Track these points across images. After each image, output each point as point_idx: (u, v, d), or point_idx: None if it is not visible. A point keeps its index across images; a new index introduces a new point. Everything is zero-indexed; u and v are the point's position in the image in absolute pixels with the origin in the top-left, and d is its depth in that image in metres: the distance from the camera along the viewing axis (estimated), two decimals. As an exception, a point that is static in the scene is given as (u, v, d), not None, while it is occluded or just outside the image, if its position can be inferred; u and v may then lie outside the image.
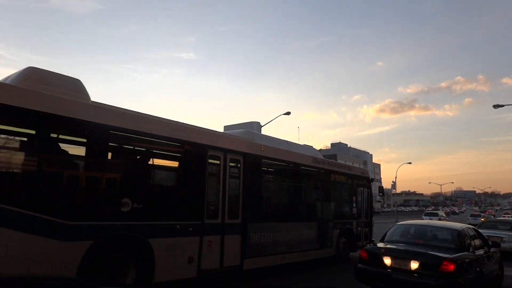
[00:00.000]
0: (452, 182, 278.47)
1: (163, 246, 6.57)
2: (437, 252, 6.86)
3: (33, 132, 5.31)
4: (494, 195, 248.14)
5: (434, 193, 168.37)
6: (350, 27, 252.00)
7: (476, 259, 7.42)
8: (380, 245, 7.78)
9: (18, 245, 4.86)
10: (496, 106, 27.41)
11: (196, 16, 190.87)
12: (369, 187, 14.40)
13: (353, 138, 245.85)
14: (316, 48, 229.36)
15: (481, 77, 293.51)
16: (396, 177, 61.43)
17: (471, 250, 7.54)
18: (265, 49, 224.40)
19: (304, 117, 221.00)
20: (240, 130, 10.24)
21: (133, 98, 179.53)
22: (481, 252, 8.02)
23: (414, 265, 6.70)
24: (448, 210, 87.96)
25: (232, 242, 8.05)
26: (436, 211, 49.14)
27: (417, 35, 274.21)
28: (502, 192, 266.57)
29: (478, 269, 7.21)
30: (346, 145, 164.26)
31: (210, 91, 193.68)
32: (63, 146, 5.73)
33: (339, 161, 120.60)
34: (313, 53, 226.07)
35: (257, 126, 44.02)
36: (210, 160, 7.79)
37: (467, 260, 7.00)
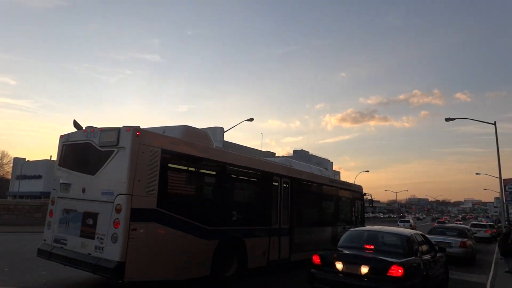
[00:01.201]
0: (407, 190, 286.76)
1: (251, 244, 9.51)
2: (386, 257, 7.02)
3: (191, 168, 8.37)
4: (445, 203, 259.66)
5: (390, 200, 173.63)
6: (315, 37, 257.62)
7: (423, 264, 7.65)
8: (334, 251, 7.87)
9: (179, 239, 7.60)
10: (448, 120, 28.69)
11: (162, 17, 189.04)
12: (363, 199, 18.09)
13: (315, 146, 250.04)
14: (281, 57, 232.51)
15: (436, 91, 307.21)
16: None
17: (418, 255, 7.80)
18: (231, 55, 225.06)
19: (268, 124, 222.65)
20: (281, 158, 14.61)
21: (92, 98, 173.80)
22: (428, 257, 8.32)
23: (364, 269, 6.84)
24: (414, 217, 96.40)
25: (285, 241, 11.02)
26: (408, 219, 58.70)
27: (379, 48, 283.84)
28: (452, 200, 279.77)
29: (424, 273, 7.45)
30: (308, 152, 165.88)
31: (174, 95, 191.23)
32: (203, 177, 8.81)
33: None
34: (278, 61, 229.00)
35: (220, 131, 43.88)
36: (273, 183, 10.96)
37: (414, 265, 7.23)
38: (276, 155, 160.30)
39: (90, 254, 6.89)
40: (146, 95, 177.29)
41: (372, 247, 7.88)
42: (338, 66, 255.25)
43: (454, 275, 13.03)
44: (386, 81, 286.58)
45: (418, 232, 9.37)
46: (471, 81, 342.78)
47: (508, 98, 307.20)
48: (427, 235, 17.74)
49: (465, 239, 16.92)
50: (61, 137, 8.43)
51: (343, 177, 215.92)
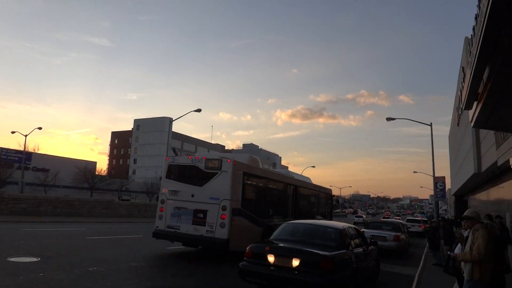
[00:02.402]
0: (350, 186, 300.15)
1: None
2: (317, 250, 6.96)
3: (254, 182, 13.08)
4: (385, 199, 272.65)
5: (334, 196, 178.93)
6: (270, 32, 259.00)
7: (354, 256, 7.71)
8: (267, 243, 7.74)
9: (249, 226, 12.19)
10: (389, 119, 29.71)
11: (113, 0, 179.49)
12: (332, 199, 24.10)
13: (265, 140, 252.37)
14: (235, 50, 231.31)
15: (382, 92, 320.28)
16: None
17: (350, 248, 7.85)
18: (184, 44, 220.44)
19: (219, 116, 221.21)
20: (285, 170, 19.70)
21: (32, 79, 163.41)
22: (359, 250, 8.40)
23: (295, 262, 6.75)
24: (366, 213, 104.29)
25: None
26: (361, 214, 68.38)
27: (331, 48, 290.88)
28: (392, 197, 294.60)
29: (355, 266, 7.49)
30: (258, 146, 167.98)
31: (123, 82, 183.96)
32: (259, 187, 13.47)
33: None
34: (231, 54, 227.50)
35: (168, 121, 42.44)
36: (287, 189, 15.94)
37: (345, 257, 7.29)
38: (226, 148, 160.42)
39: (203, 235, 11.58)
40: (92, 80, 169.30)
41: (305, 240, 7.83)
42: (290, 62, 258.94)
43: (386, 267, 13.34)
44: (335, 80, 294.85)
45: (351, 225, 9.37)
46: (414, 84, 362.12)
47: (445, 102, 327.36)
48: (364, 229, 18.24)
49: (398, 233, 17.46)
50: (167, 159, 13.24)
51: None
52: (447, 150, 65.90)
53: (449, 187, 70.01)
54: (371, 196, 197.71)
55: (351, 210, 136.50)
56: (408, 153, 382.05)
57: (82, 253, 11.61)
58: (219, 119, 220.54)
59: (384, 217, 54.80)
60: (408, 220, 38.64)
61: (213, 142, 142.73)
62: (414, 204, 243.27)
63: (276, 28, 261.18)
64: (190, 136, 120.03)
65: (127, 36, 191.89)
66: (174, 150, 14.46)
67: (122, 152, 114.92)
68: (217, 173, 11.98)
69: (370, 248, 9.33)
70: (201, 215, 11.82)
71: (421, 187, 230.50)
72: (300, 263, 6.69)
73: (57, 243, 13.54)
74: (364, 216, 67.46)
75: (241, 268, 7.29)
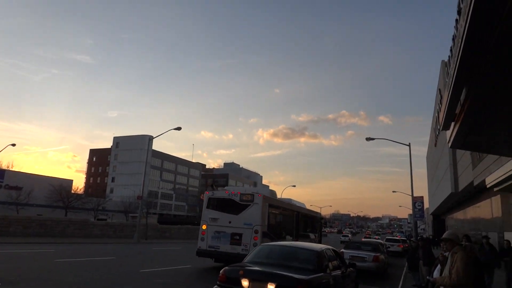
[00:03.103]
0: (331, 206, 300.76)
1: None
2: (294, 274, 6.68)
3: (274, 211, 17.39)
4: (365, 219, 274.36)
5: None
6: (252, 53, 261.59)
7: (332, 279, 7.48)
8: (240, 266, 7.39)
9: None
10: (368, 139, 29.98)
11: (96, 17, 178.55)
12: (321, 221, 28.41)
13: (246, 159, 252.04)
14: (218, 69, 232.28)
15: (362, 113, 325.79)
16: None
17: (328, 271, 7.59)
18: (166, 63, 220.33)
19: (200, 135, 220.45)
20: (287, 198, 23.02)
21: (13, 96, 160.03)
22: (338, 272, 8.16)
23: (271, 287, 6.44)
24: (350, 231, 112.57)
25: None
26: (347, 234, 72.59)
27: (312, 68, 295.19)
28: (371, 216, 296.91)
29: None
30: (239, 165, 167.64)
31: (104, 99, 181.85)
32: (276, 214, 17.65)
33: (231, 180, 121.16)
34: (213, 74, 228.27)
35: (148, 139, 41.65)
36: (292, 214, 20.06)
37: (323, 281, 7.03)
38: (207, 167, 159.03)
39: (239, 253, 14.57)
40: (73, 97, 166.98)
41: (282, 263, 7.53)
42: (272, 82, 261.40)
43: (366, 289, 13.11)
44: (317, 100, 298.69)
45: (329, 247, 9.15)
46: (393, 105, 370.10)
47: (423, 123, 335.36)
48: (344, 250, 18.05)
49: (378, 254, 17.34)
50: (207, 193, 17.28)
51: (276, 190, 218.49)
52: (425, 170, 67.16)
53: (427, 206, 71.02)
54: (351, 215, 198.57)
55: (333, 229, 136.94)
56: (387, 172, 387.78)
57: (48, 276, 11.00)
58: (201, 138, 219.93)
59: (365, 237, 55.11)
60: (387, 240, 38.68)
61: (194, 160, 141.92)
62: (393, 223, 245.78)
63: (257, 48, 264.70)
64: (170, 154, 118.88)
65: (110, 53, 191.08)
66: (212, 185, 19.50)
67: (100, 170, 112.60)
68: (250, 204, 16.06)
69: (348, 270, 9.10)
70: (237, 237, 15.74)
71: (400, 206, 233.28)
72: (276, 287, 6.41)
73: (23, 266, 12.87)
74: (350, 235, 71.99)
75: None
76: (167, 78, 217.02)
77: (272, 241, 14.84)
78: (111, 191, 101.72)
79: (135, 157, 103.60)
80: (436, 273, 6.22)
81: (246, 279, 6.70)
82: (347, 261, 10.43)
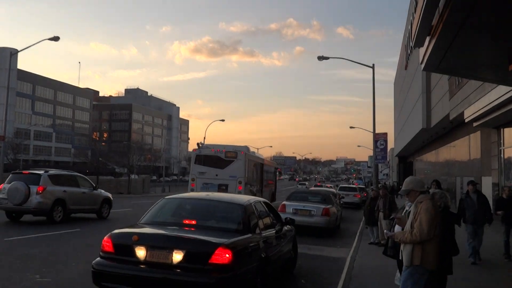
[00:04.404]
0: (271, 146, 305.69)
1: (264, 194, 30.50)
2: (210, 237, 6.70)
3: (252, 164, 28.20)
4: (315, 162, 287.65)
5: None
6: None
7: (263, 242, 7.73)
8: (134, 229, 7.29)
9: (251, 191, 25.74)
10: (321, 58, 30.37)
11: None
12: (277, 171, 39.79)
13: (157, 84, 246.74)
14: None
15: (315, 22, 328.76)
16: (205, 138, 63.81)
17: (257, 230, 7.79)
18: None
19: (90, 49, 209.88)
20: (245, 146, 27.98)
21: None
22: (271, 232, 8.48)
23: (177, 256, 6.32)
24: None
25: (266, 194, 30.82)
26: (305, 182, 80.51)
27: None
28: (323, 159, 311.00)
29: (263, 255, 7.47)
30: (147, 93, 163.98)
31: None
32: (254, 167, 28.60)
33: (135, 113, 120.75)
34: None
35: (9, 54, 38.69)
36: (260, 166, 30.50)
37: (250, 245, 7.16)
38: (101, 94, 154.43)
39: None
40: None
41: (194, 222, 7.56)
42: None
43: (311, 250, 14.04)
44: (255, 4, 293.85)
45: (260, 199, 9.47)
46: (355, 14, 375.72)
47: (392, 38, 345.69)
48: (286, 202, 18.87)
49: (328, 206, 18.33)
50: (194, 151, 26.16)
51: (193, 128, 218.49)
52: (391, 101, 70.33)
53: (392, 146, 75.52)
54: (298, 158, 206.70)
55: (279, 177, 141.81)
56: (345, 103, 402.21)
57: None
58: (91, 53, 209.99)
59: (316, 185, 57.67)
60: (342, 189, 41.00)
61: (81, 85, 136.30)
62: (350, 167, 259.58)
63: None
64: (46, 76, 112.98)
65: None
66: (198, 144, 26.09)
67: None
68: (233, 160, 24.69)
69: (285, 228, 9.48)
70: (224, 187, 24.11)
71: (358, 146, 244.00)
72: (184, 257, 6.31)
73: None
74: (307, 183, 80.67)
75: (96, 269, 6.68)
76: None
77: (252, 188, 25.98)
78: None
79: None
80: (397, 229, 6.49)
81: (142, 247, 6.51)
82: (289, 216, 10.93)
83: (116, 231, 7.12)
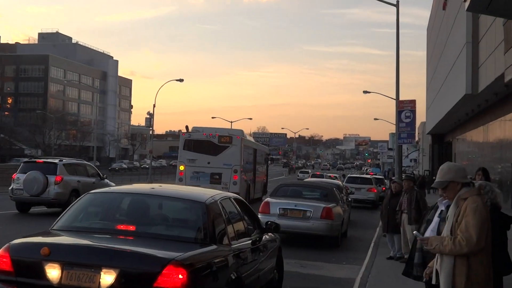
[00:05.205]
0: (250, 119, 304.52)
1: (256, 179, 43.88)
2: (155, 250, 6.68)
3: (247, 150, 38.68)
4: (314, 142, 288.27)
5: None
6: None
7: (234, 257, 7.69)
8: (44, 238, 7.25)
9: (246, 180, 38.53)
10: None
11: None
12: (268, 157, 54.13)
13: (85, 27, 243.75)
14: None
15: None
16: (154, 105, 63.51)
17: (225, 241, 7.72)
18: None
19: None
20: (239, 129, 42.35)
21: None
22: (245, 243, 8.50)
23: (107, 278, 6.24)
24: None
25: (259, 180, 44.70)
26: (307, 170, 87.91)
27: None
28: (324, 138, 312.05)
29: (234, 276, 7.46)
30: (71, 39, 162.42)
31: None
32: (249, 152, 39.75)
33: (54, 69, 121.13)
34: None
35: None
36: (253, 151, 41.13)
37: (216, 261, 7.08)
38: (3, 41, 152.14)
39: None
40: None
41: (132, 228, 7.51)
42: None
43: (306, 267, 14.18)
44: None
45: (230, 195, 9.34)
46: None
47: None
48: (270, 199, 18.83)
49: (330, 205, 18.35)
50: (183, 134, 35.21)
51: (141, 90, 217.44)
52: (423, 55, 70.14)
53: (423, 120, 75.95)
54: (289, 136, 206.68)
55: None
56: (357, 57, 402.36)
57: None
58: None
59: (314, 175, 57.46)
60: (351, 180, 41.10)
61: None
62: (363, 150, 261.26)
63: None
64: None
65: None
66: (187, 127, 31.64)
67: None
68: (228, 146, 31.20)
69: (265, 238, 9.53)
70: (217, 177, 31.18)
71: (375, 119, 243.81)
72: (117, 278, 6.24)
73: None
74: (309, 171, 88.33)
75: None
76: None
77: (247, 176, 35.40)
78: None
79: None
80: (430, 233, 6.42)
81: (56, 264, 6.41)
82: (272, 220, 10.88)
83: (17, 240, 6.94)
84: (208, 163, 30.54)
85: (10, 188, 23.67)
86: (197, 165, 30.77)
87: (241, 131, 35.24)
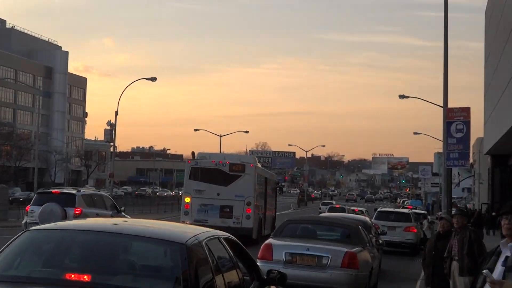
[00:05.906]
0: (247, 132, 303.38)
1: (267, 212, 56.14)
2: None
3: (260, 179, 48.88)
4: (332, 164, 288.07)
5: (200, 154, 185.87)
6: None
7: None
8: None
9: (259, 213, 50.31)
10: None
11: None
12: (277, 186, 71.71)
13: (25, 8, 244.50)
14: None
15: None
16: (117, 113, 63.44)
17: None
18: None
19: None
20: (252, 157, 74.01)
21: None
22: None
23: None
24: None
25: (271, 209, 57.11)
26: (331, 201, 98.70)
27: None
28: (347, 159, 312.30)
29: None
30: (5, 23, 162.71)
31: None
32: (261, 181, 49.27)
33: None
34: None
35: None
36: (265, 181, 53.39)
37: None
38: None
39: (230, 226, 38.15)
40: None
41: (86, 278, 7.29)
42: None
43: None
44: None
45: (218, 233, 9.14)
46: None
47: None
48: (273, 239, 18.86)
49: (355, 249, 18.38)
50: (189, 162, 43.68)
51: (96, 93, 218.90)
52: (479, 47, 70.08)
53: (480, 135, 76.12)
54: (298, 156, 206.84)
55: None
56: (390, 49, 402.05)
57: None
58: None
59: (332, 209, 57.98)
60: (381, 216, 41.12)
61: None
62: (399, 176, 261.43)
63: None
64: None
65: None
66: (193, 154, 35.49)
67: None
68: (241, 175, 38.87)
69: None
70: (228, 210, 38.41)
71: (415, 133, 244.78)
72: None
73: None
74: (334, 202, 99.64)
75: None
76: None
77: (259, 211, 42.87)
78: None
79: None
80: (499, 276, 6.45)
81: None
82: (276, 269, 10.88)
83: None
84: (218, 194, 35.43)
85: (23, 222, 26.46)
86: (205, 196, 35.46)
87: (254, 157, 43.02)
